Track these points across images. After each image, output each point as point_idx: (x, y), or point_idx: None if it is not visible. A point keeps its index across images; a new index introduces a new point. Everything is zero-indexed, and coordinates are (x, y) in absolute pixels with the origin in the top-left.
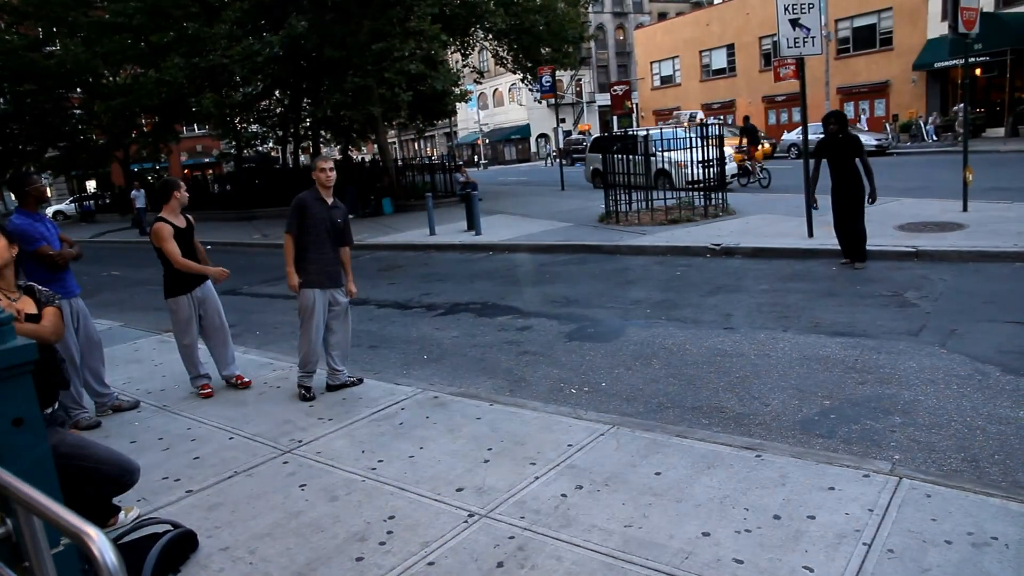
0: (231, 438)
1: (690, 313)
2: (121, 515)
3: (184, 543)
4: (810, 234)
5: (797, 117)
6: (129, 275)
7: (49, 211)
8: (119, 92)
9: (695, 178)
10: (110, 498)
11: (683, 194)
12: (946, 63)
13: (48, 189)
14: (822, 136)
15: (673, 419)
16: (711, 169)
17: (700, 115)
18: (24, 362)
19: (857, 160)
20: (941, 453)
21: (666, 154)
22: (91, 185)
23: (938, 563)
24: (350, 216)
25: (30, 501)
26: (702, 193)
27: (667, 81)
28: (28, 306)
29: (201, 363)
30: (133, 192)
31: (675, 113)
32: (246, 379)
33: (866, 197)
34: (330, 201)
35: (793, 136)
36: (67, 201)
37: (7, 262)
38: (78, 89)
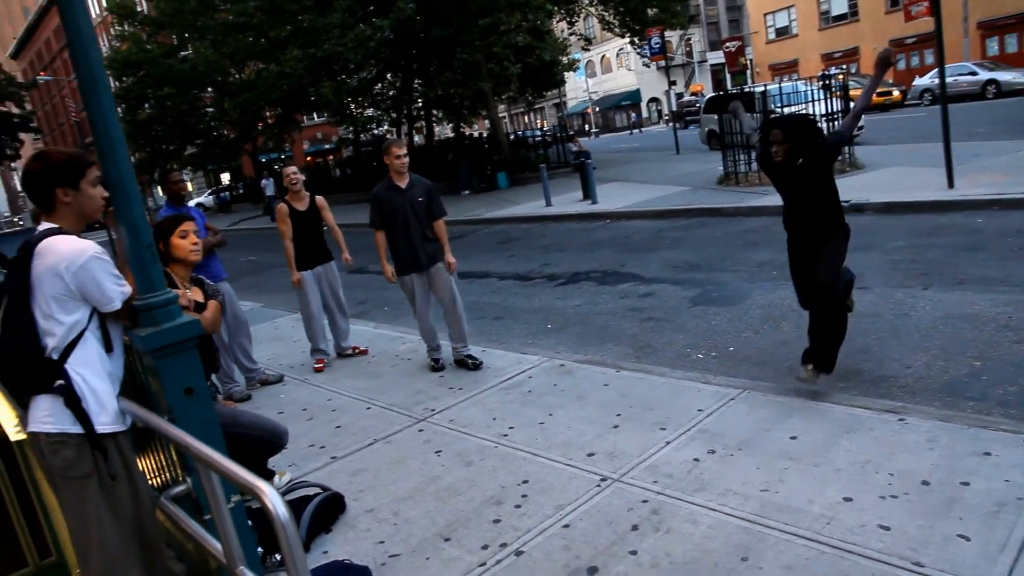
0: (368, 408)
1: None
2: (276, 479)
3: (333, 505)
4: (950, 185)
5: (930, 59)
6: (264, 259)
7: (192, 203)
8: (245, 88)
9: None
10: (264, 462)
11: None
12: None
13: (189, 184)
14: (761, 151)
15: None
16: (834, 123)
17: None
18: (191, 337)
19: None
20: None
21: (786, 110)
22: (225, 177)
23: None
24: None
25: (209, 460)
26: None
27: (783, 33)
28: (198, 296)
29: (323, 338)
30: (263, 181)
31: None
32: (362, 348)
33: (841, 242)
34: (405, 184)
35: (926, 81)
36: (206, 194)
37: (198, 257)
38: (209, 89)
